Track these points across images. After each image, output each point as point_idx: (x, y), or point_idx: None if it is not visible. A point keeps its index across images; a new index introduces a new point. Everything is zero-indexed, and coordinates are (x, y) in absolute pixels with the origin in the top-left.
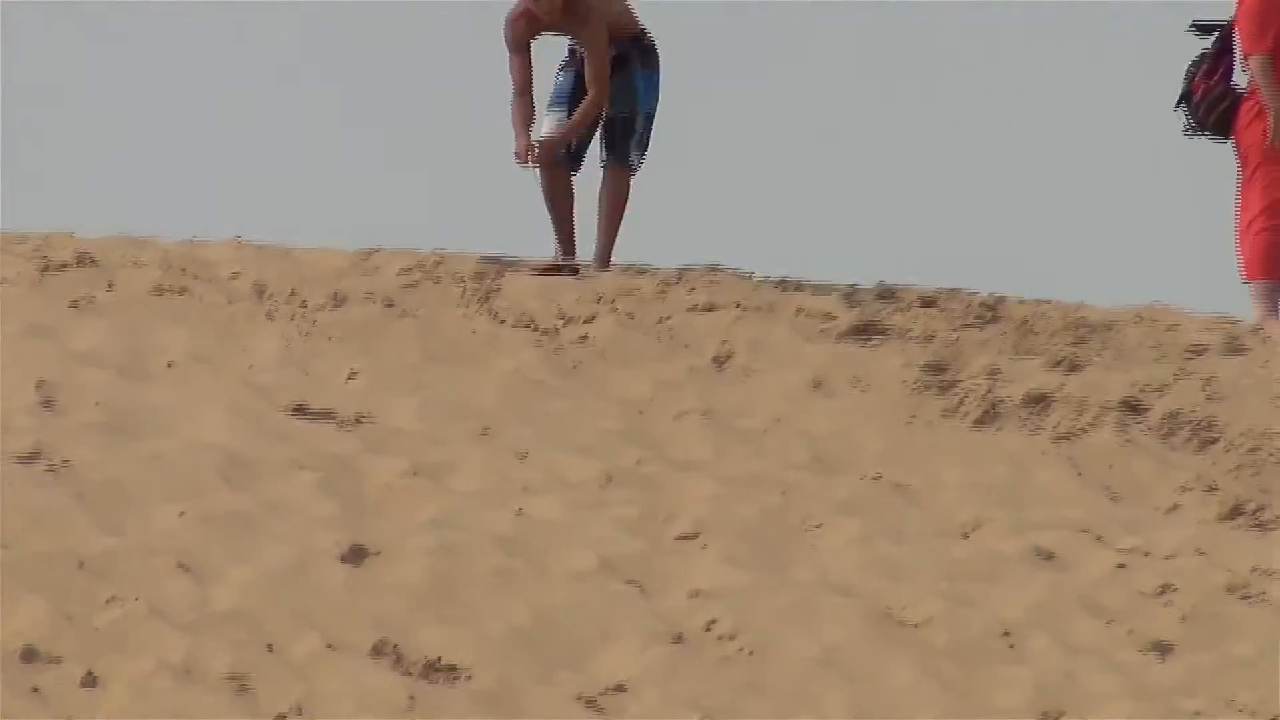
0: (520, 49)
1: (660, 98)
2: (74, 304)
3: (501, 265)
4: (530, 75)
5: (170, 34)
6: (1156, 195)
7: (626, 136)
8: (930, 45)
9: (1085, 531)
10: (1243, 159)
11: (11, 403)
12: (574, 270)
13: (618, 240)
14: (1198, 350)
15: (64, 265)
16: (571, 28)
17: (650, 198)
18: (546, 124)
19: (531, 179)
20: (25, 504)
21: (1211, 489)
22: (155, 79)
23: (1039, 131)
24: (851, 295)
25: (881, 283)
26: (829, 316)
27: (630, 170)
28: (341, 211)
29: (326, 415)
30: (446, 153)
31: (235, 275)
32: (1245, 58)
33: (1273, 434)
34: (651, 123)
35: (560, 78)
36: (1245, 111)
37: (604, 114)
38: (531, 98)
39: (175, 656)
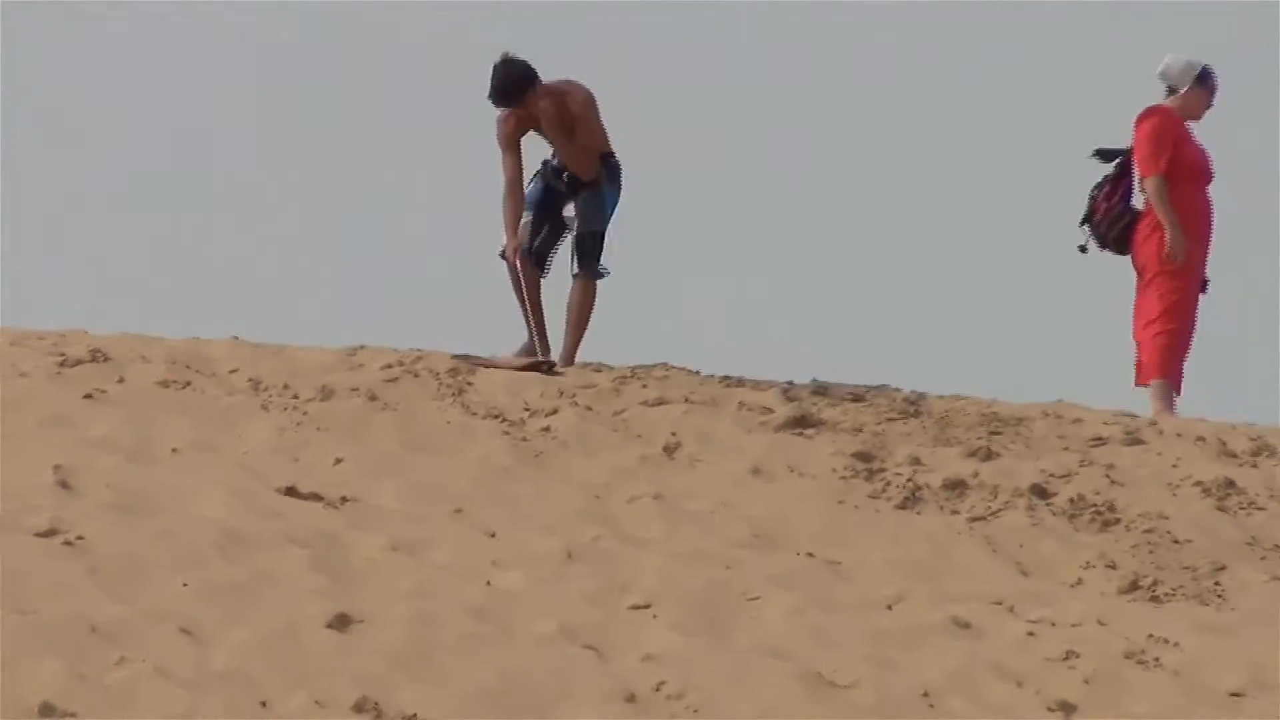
0: (511, 147)
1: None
2: (88, 395)
3: (472, 362)
4: (521, 171)
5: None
6: (1059, 306)
7: (595, 251)
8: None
9: (998, 603)
10: (1140, 271)
11: (31, 484)
12: (550, 367)
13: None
14: (1100, 441)
15: (79, 360)
16: (570, 114)
17: (606, 301)
18: (524, 231)
19: (501, 280)
20: (43, 575)
21: (1112, 566)
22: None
23: (957, 249)
24: (788, 391)
25: (815, 380)
26: (767, 410)
27: (597, 278)
28: (330, 311)
29: (315, 496)
30: (424, 253)
31: (233, 371)
32: (1142, 180)
33: (1167, 516)
34: (603, 242)
35: (531, 185)
36: (1142, 228)
37: (575, 230)
38: (522, 193)
39: (178, 710)
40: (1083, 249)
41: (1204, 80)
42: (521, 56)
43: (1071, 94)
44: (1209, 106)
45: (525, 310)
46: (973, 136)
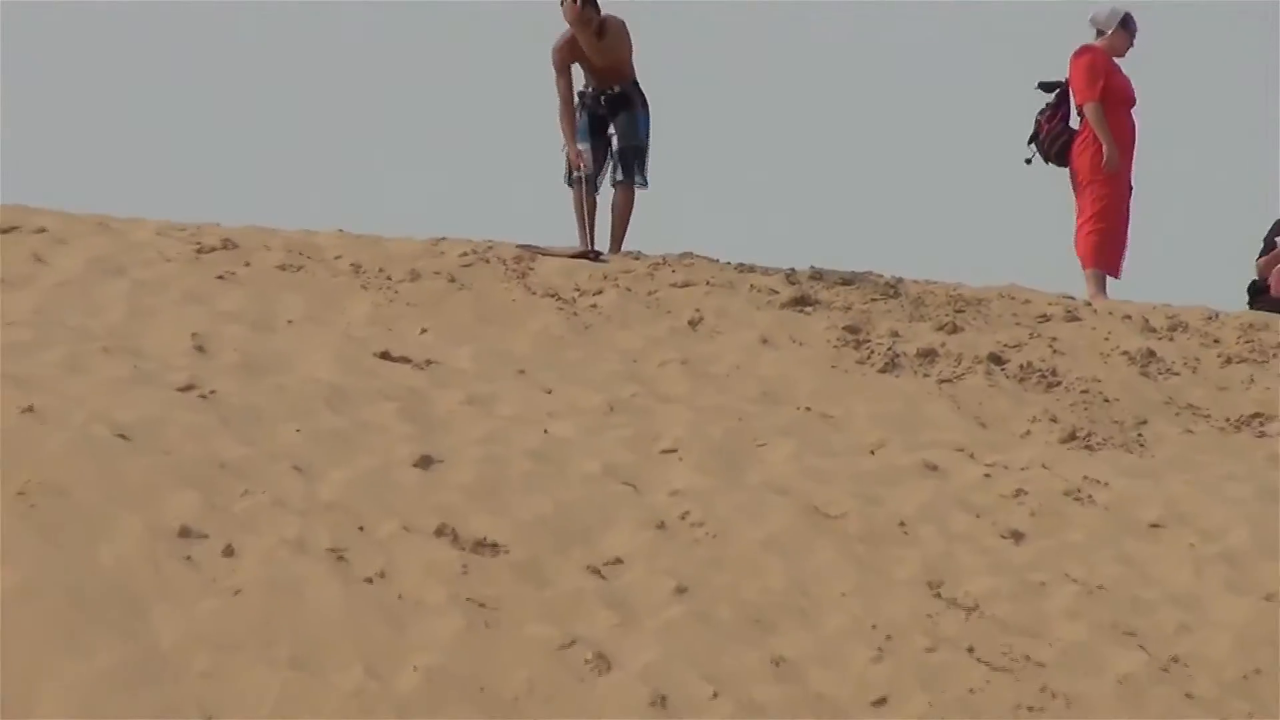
0: (564, 70)
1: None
2: (220, 277)
3: (533, 252)
4: (572, 90)
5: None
6: (1014, 207)
7: (634, 162)
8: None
9: (960, 450)
10: (1076, 180)
11: (173, 348)
12: (598, 255)
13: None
14: (1045, 318)
15: (213, 248)
16: (611, 47)
17: (643, 200)
18: (581, 152)
19: (562, 190)
20: (182, 422)
21: (1054, 420)
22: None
23: (934, 161)
24: (791, 276)
25: (813, 267)
26: (773, 291)
27: (640, 187)
28: (421, 207)
29: (404, 359)
30: (500, 164)
31: (338, 257)
32: (1079, 105)
33: (1099, 380)
34: (649, 149)
35: (583, 119)
36: (1077, 144)
37: (616, 145)
38: (574, 107)
39: (290, 534)
40: (1028, 161)
41: (1126, 24)
42: None
43: (1031, 37)
44: (1131, 46)
45: (580, 222)
46: (947, 75)
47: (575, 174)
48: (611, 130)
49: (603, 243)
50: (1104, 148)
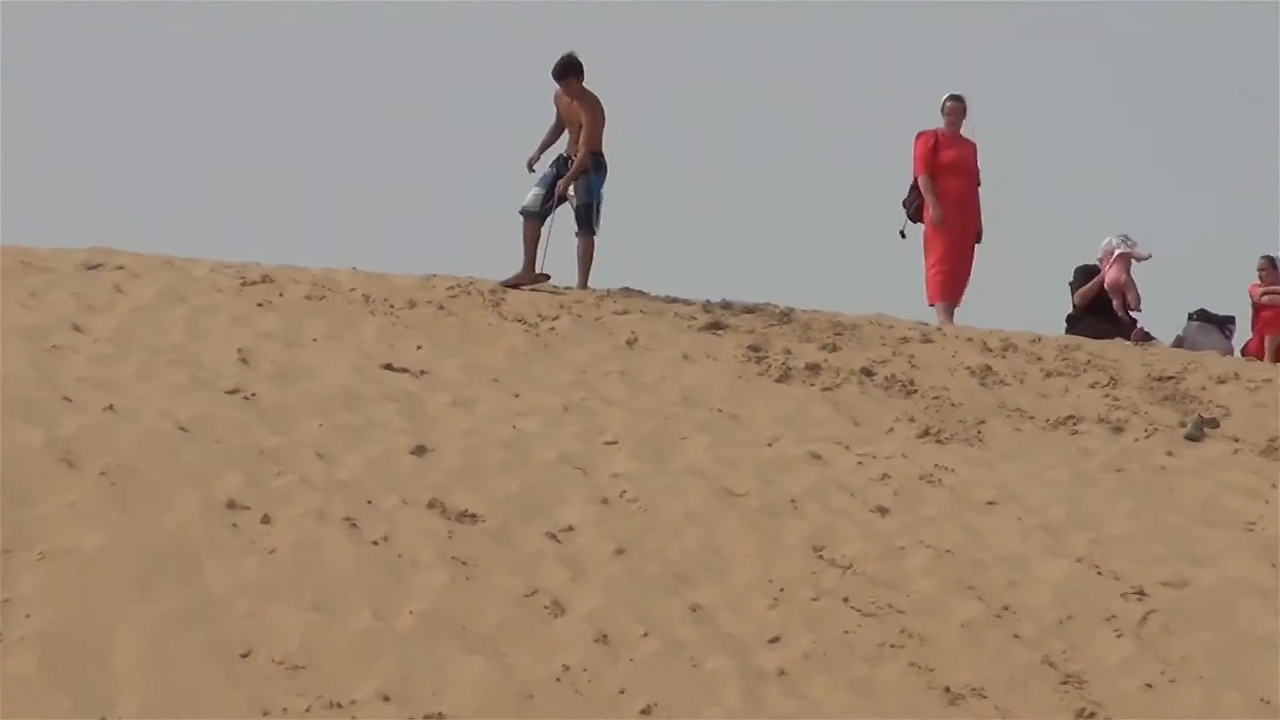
0: (557, 114)
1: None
2: (259, 304)
3: (504, 284)
4: (556, 130)
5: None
6: (883, 252)
7: (584, 217)
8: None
9: (839, 443)
10: (924, 234)
11: (223, 360)
12: (547, 277)
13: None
14: (905, 340)
15: (254, 281)
16: (581, 114)
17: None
18: (530, 196)
19: (515, 226)
20: (230, 418)
21: (912, 420)
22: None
23: (821, 212)
24: (706, 305)
25: (723, 299)
26: (693, 318)
27: (592, 235)
28: (417, 248)
29: (404, 369)
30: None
31: (352, 289)
32: (915, 178)
33: (947, 388)
34: (601, 207)
35: (548, 171)
36: (923, 207)
37: (574, 203)
38: (552, 137)
39: (314, 506)
40: (902, 234)
41: (943, 107)
42: (580, 59)
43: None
44: (955, 119)
45: (525, 246)
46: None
47: (522, 208)
48: (570, 191)
49: (551, 268)
50: (931, 210)
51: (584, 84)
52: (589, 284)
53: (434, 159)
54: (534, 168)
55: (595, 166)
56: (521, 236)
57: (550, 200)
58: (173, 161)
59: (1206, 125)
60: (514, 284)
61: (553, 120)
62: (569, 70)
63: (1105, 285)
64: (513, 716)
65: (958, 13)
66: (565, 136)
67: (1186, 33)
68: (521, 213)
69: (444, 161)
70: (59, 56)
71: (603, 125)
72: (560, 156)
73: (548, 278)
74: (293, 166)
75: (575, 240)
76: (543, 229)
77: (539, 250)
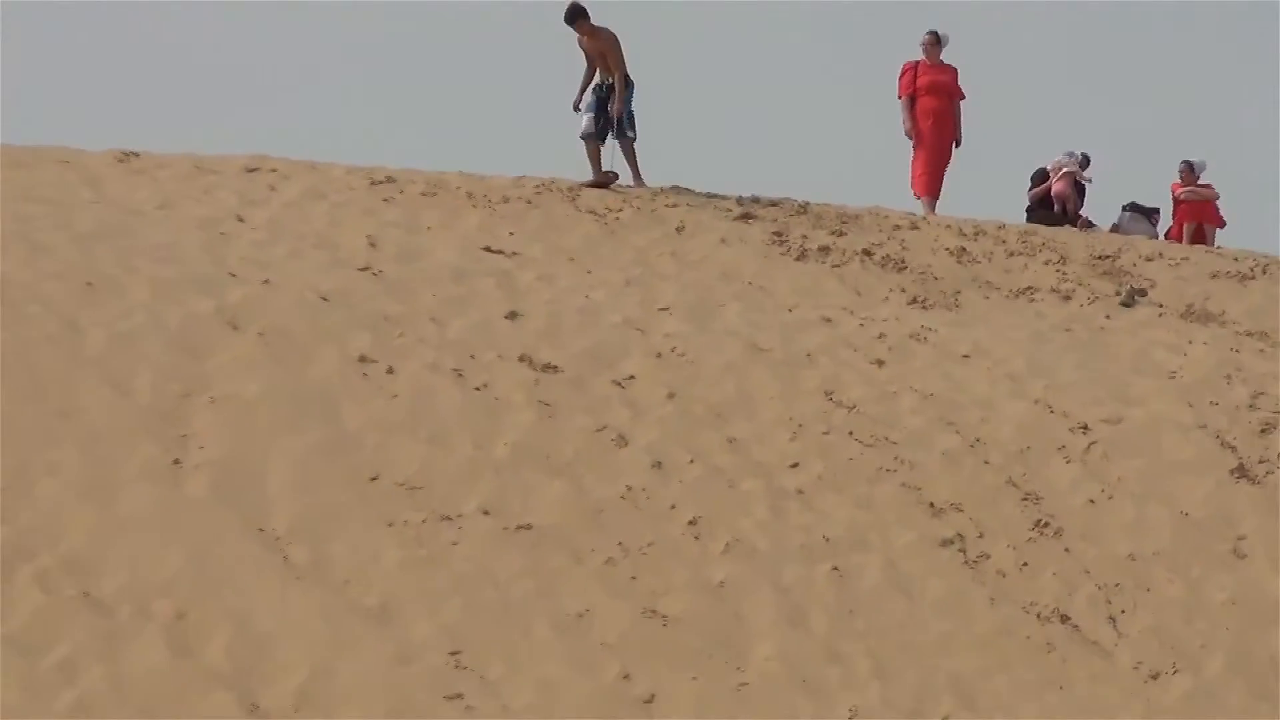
0: (585, 55)
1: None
2: (385, 199)
3: (579, 185)
4: (589, 65)
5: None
6: (882, 154)
7: (626, 126)
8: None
9: (845, 309)
10: (912, 141)
11: (356, 244)
12: (607, 182)
13: (640, 168)
14: (898, 227)
15: (380, 181)
16: (601, 48)
17: (649, 145)
18: (584, 122)
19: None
20: (361, 290)
21: (903, 290)
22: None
23: (836, 113)
24: (739, 200)
25: (753, 195)
26: (729, 210)
27: (631, 138)
28: (517, 149)
29: (500, 252)
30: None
31: (458, 188)
32: (898, 98)
33: (930, 265)
34: (634, 118)
35: (590, 98)
36: (904, 120)
37: (614, 112)
38: (588, 79)
39: (429, 360)
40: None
41: (922, 41)
42: (581, 3)
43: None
44: (937, 48)
45: (590, 161)
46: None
47: (581, 134)
48: (610, 108)
49: (619, 173)
50: (907, 125)
51: (592, 22)
52: (641, 176)
53: (527, 78)
54: (579, 107)
55: (626, 85)
56: (586, 155)
57: (602, 121)
58: (320, 77)
59: (1144, 56)
60: (589, 185)
61: (584, 63)
62: (576, 15)
63: (1052, 194)
64: (586, 529)
65: None
66: (597, 70)
67: None
68: (582, 138)
69: (535, 79)
70: None
71: (617, 52)
72: (596, 84)
73: (616, 176)
74: (417, 82)
75: (617, 145)
76: (603, 146)
77: (602, 160)
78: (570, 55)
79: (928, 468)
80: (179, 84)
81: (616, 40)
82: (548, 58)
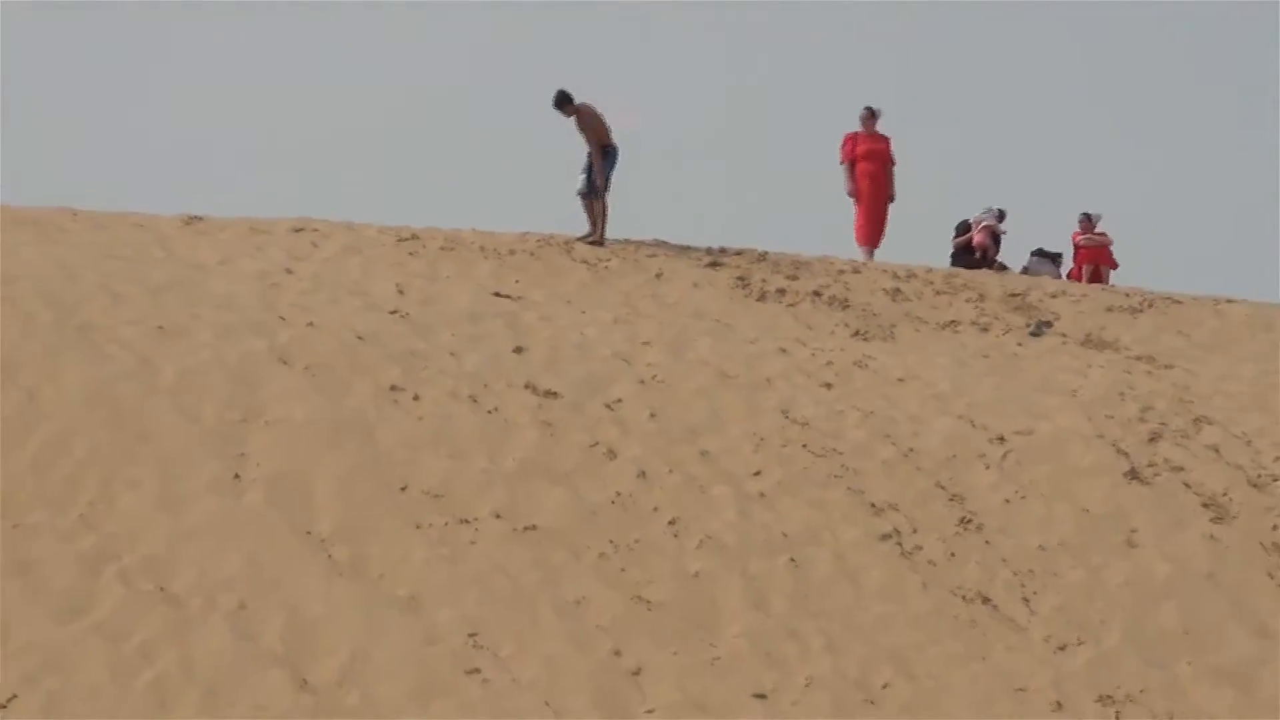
0: (580, 126)
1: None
2: (410, 253)
3: (573, 240)
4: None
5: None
6: (833, 209)
7: (599, 188)
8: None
9: (798, 341)
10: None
11: (386, 291)
12: (597, 241)
13: (606, 229)
14: (843, 271)
15: (406, 238)
16: (580, 125)
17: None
18: (578, 183)
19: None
20: (391, 330)
21: (847, 325)
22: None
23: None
24: (709, 250)
25: (720, 246)
26: (699, 258)
27: (604, 198)
28: (521, 209)
29: (507, 296)
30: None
31: (473, 242)
32: (840, 164)
33: (870, 303)
34: (610, 179)
35: (585, 160)
36: (846, 182)
37: (595, 179)
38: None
39: (448, 389)
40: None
41: (860, 116)
42: (564, 90)
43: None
44: (872, 120)
45: (586, 212)
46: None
47: (576, 191)
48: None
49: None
50: (846, 186)
51: (575, 104)
52: (604, 236)
53: (533, 148)
54: (608, 187)
55: (604, 155)
56: (582, 207)
57: (591, 183)
58: (345, 153)
59: (1042, 127)
60: (586, 240)
61: (587, 147)
62: (559, 104)
63: (973, 243)
64: (583, 529)
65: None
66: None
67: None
68: (578, 194)
69: (544, 146)
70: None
71: (598, 128)
72: (589, 153)
73: (597, 241)
74: (431, 154)
75: (596, 203)
76: (591, 200)
77: (594, 213)
78: (564, 126)
79: (869, 474)
80: (232, 153)
81: (590, 116)
82: (548, 129)
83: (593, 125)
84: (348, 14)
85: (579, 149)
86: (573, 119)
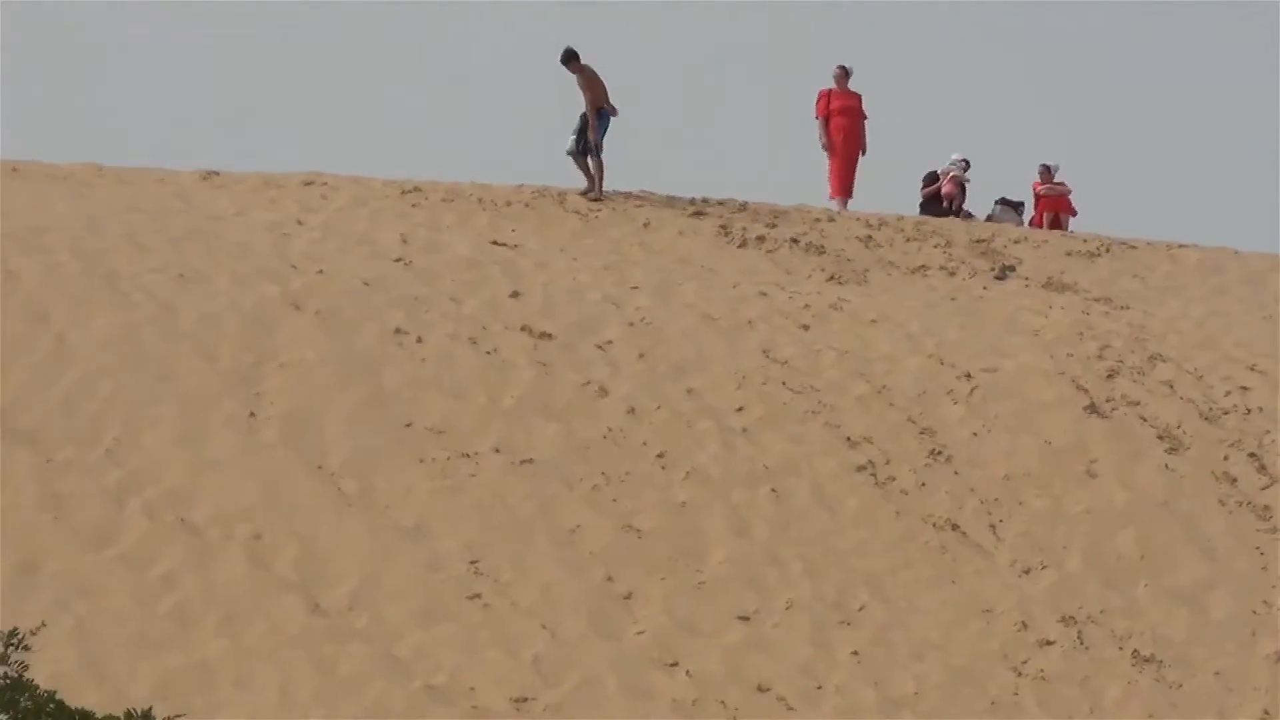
0: (582, 84)
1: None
2: (413, 205)
3: (566, 192)
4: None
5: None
6: (813, 162)
7: (596, 146)
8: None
9: (777, 285)
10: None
11: (391, 240)
12: (595, 197)
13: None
14: (818, 220)
15: (409, 190)
16: (580, 84)
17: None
18: (569, 142)
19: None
20: (395, 276)
21: (823, 270)
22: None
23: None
24: (692, 201)
25: (703, 196)
26: (684, 208)
27: (600, 157)
28: (515, 163)
29: (504, 244)
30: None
31: (471, 194)
32: (815, 119)
33: (844, 249)
34: (603, 139)
35: (577, 122)
36: (820, 136)
37: (590, 138)
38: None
39: (448, 331)
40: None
41: (833, 73)
42: (571, 48)
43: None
44: (844, 77)
45: (581, 170)
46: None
47: (566, 151)
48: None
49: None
50: (820, 140)
51: (581, 63)
52: (602, 191)
53: (538, 98)
54: (600, 148)
55: (599, 116)
56: (575, 165)
57: (582, 142)
58: (359, 95)
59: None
60: (582, 194)
61: (584, 103)
62: (565, 60)
63: (941, 193)
64: (576, 462)
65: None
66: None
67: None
68: (568, 153)
69: (548, 97)
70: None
71: (597, 89)
72: (583, 113)
73: (596, 198)
74: (435, 104)
75: (591, 161)
76: (583, 159)
77: (588, 171)
78: (563, 84)
79: (844, 410)
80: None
81: (592, 78)
82: (548, 85)
83: (593, 86)
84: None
85: (576, 107)
86: (576, 76)
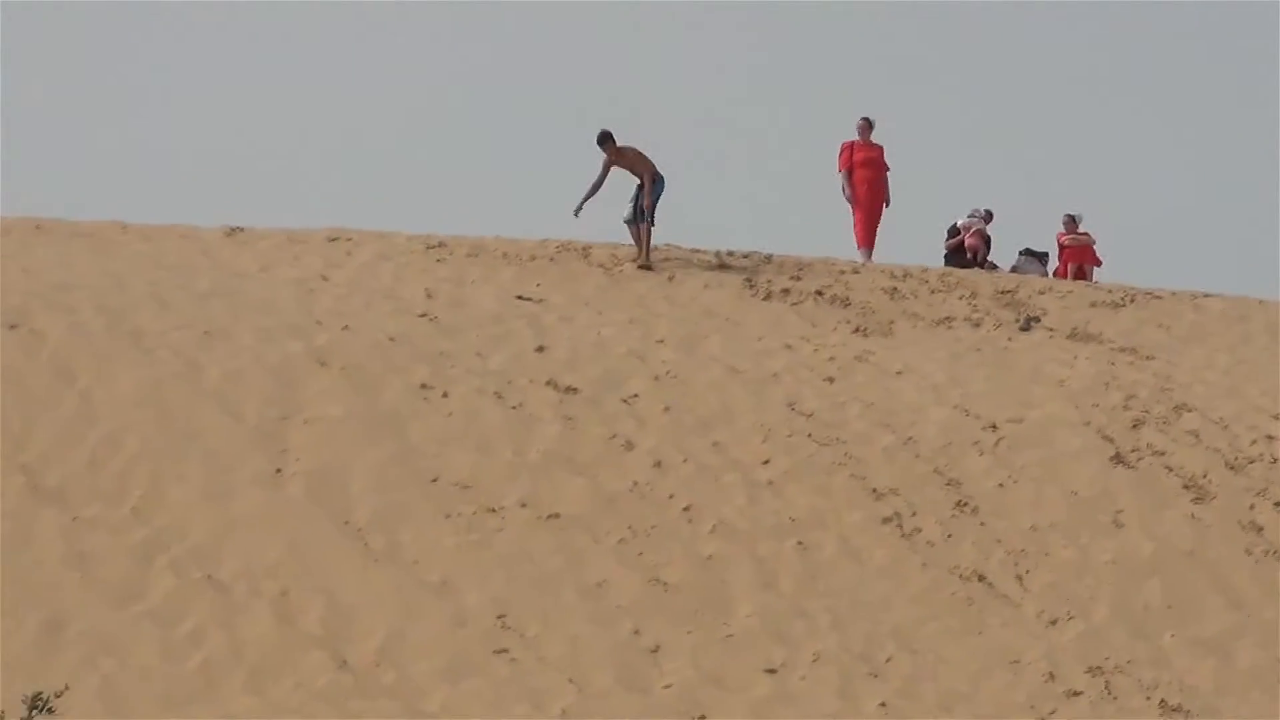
0: (605, 168)
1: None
2: (438, 260)
3: (589, 246)
4: (601, 179)
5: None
6: (833, 214)
7: (649, 215)
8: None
9: (802, 338)
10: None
11: (416, 295)
12: (648, 265)
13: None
14: (844, 272)
15: (434, 245)
16: (627, 163)
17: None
18: (626, 210)
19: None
20: (421, 331)
21: (848, 322)
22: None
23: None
24: (717, 254)
25: (728, 249)
26: (709, 261)
27: (650, 226)
28: (538, 217)
29: (529, 299)
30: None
31: (496, 248)
32: (838, 172)
33: (868, 301)
34: (657, 204)
35: (633, 190)
36: (844, 188)
37: (644, 203)
38: (598, 187)
39: (474, 386)
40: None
41: (857, 126)
42: (606, 130)
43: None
44: (867, 129)
45: (633, 238)
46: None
47: (624, 219)
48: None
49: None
50: (845, 193)
51: (616, 146)
52: (651, 259)
53: (555, 161)
54: (578, 214)
55: (653, 183)
56: (629, 234)
57: (638, 211)
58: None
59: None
60: (639, 263)
61: (595, 176)
62: (601, 142)
63: (965, 246)
64: (603, 516)
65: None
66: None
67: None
68: (625, 222)
69: (569, 159)
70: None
71: (646, 163)
72: (639, 184)
73: (648, 265)
74: (458, 165)
75: (642, 226)
76: (639, 226)
77: (639, 238)
78: (583, 144)
79: (870, 461)
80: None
81: (638, 157)
82: (568, 144)
83: (639, 161)
84: (370, 14)
85: (597, 164)
86: (612, 157)
